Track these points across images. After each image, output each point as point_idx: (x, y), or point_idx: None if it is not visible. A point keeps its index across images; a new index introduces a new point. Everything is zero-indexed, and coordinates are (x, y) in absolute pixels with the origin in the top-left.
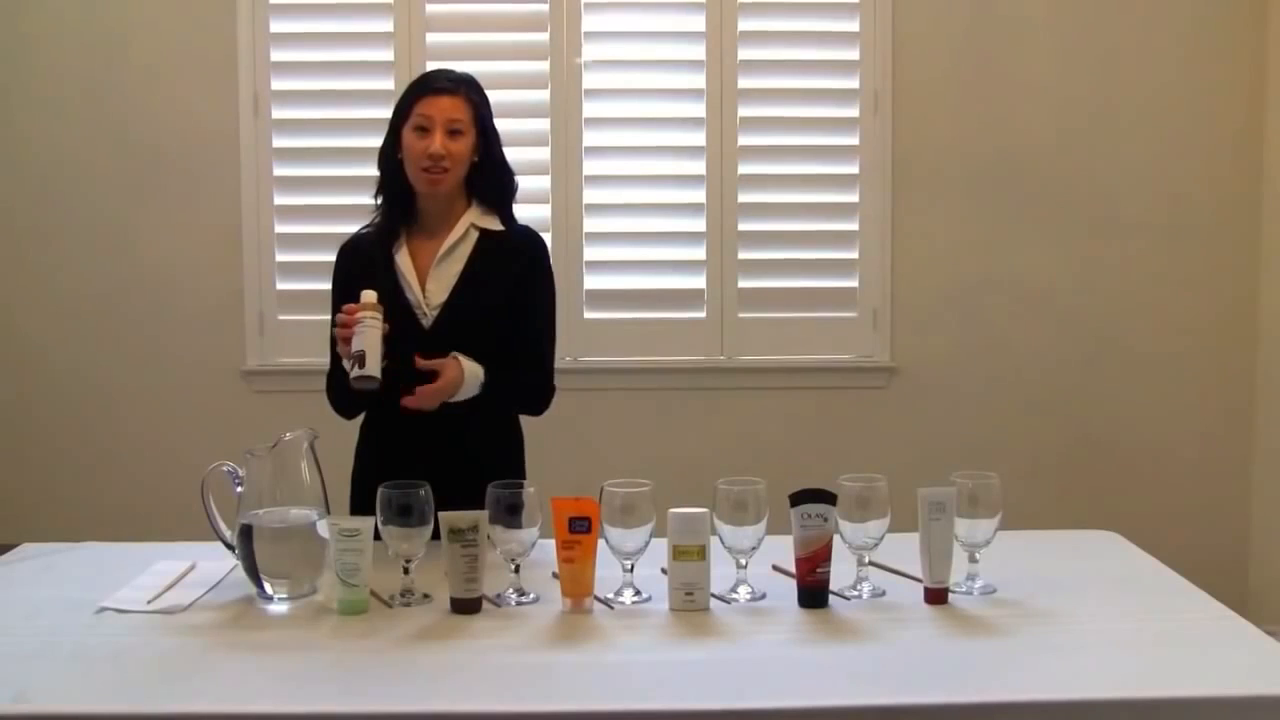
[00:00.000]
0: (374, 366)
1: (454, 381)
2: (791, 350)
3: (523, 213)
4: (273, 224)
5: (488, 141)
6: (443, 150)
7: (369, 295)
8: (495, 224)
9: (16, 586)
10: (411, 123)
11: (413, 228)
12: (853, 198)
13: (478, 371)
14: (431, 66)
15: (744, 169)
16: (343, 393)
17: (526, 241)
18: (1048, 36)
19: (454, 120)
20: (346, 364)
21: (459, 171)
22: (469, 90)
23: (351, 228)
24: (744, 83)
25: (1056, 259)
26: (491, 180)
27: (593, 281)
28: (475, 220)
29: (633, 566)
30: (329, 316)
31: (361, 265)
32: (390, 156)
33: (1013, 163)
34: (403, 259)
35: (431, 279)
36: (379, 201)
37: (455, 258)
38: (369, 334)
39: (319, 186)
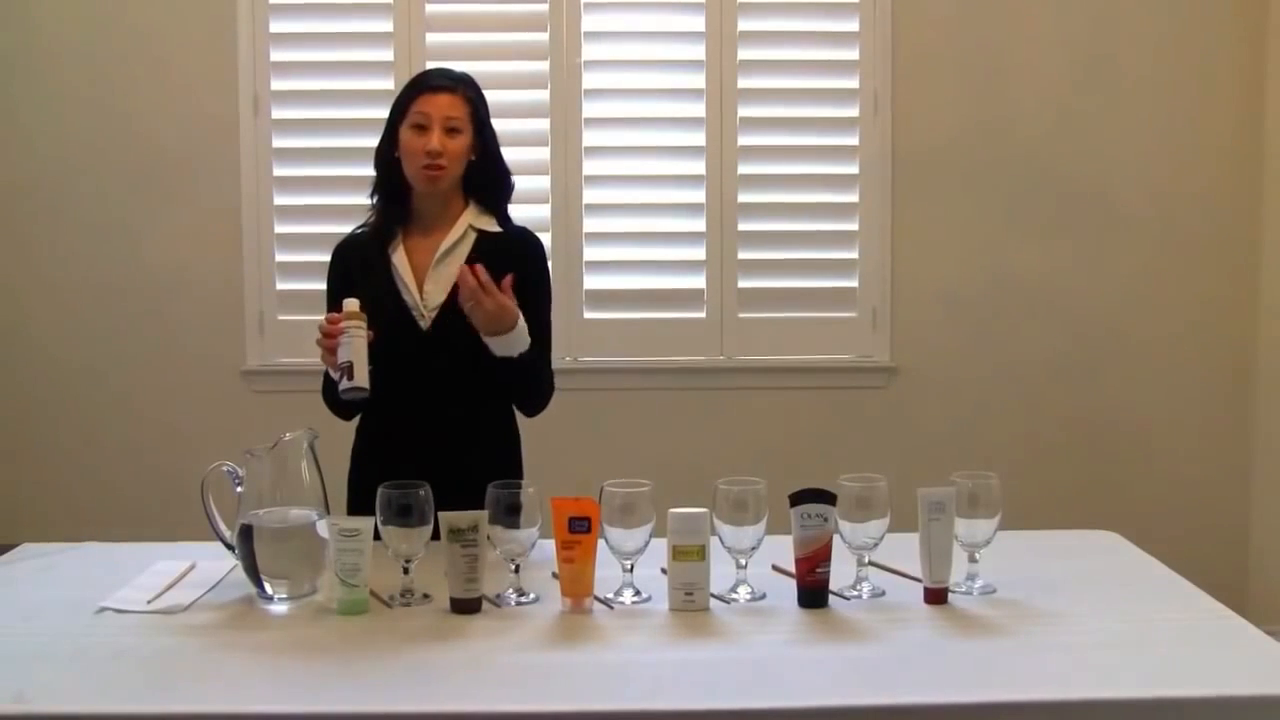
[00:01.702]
0: (362, 377)
1: (512, 311)
2: (791, 350)
3: (523, 213)
4: (273, 224)
5: (485, 140)
6: (440, 147)
7: (351, 304)
8: (492, 225)
9: (16, 586)
10: (409, 120)
11: (409, 227)
12: (853, 198)
13: (525, 333)
14: (431, 66)
15: (744, 169)
16: (336, 399)
17: (524, 242)
18: (1047, 36)
19: (451, 118)
20: (334, 374)
21: (456, 169)
22: (466, 89)
23: (351, 228)
24: (744, 83)
25: (1056, 258)
26: (489, 179)
27: (593, 281)
28: (473, 221)
29: (633, 566)
30: (324, 317)
31: (357, 265)
32: (387, 155)
33: (1012, 162)
34: (399, 259)
35: (429, 280)
36: (375, 200)
37: (454, 258)
38: (354, 344)
39: (319, 186)
